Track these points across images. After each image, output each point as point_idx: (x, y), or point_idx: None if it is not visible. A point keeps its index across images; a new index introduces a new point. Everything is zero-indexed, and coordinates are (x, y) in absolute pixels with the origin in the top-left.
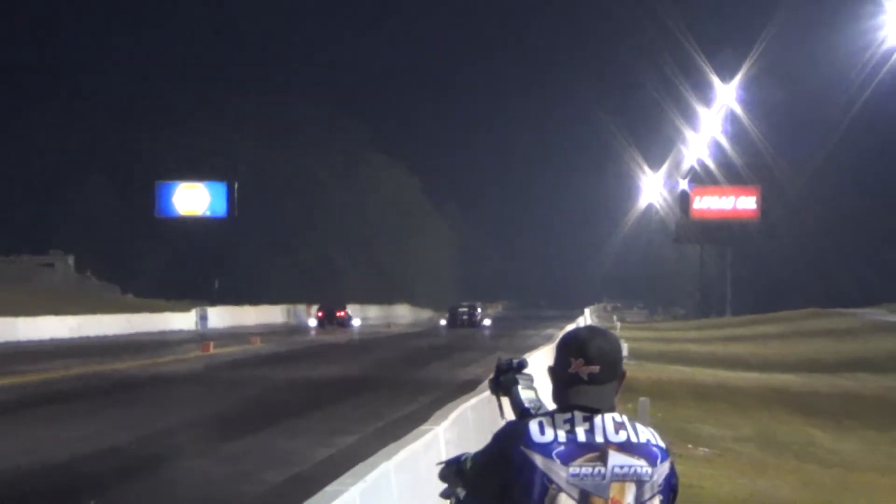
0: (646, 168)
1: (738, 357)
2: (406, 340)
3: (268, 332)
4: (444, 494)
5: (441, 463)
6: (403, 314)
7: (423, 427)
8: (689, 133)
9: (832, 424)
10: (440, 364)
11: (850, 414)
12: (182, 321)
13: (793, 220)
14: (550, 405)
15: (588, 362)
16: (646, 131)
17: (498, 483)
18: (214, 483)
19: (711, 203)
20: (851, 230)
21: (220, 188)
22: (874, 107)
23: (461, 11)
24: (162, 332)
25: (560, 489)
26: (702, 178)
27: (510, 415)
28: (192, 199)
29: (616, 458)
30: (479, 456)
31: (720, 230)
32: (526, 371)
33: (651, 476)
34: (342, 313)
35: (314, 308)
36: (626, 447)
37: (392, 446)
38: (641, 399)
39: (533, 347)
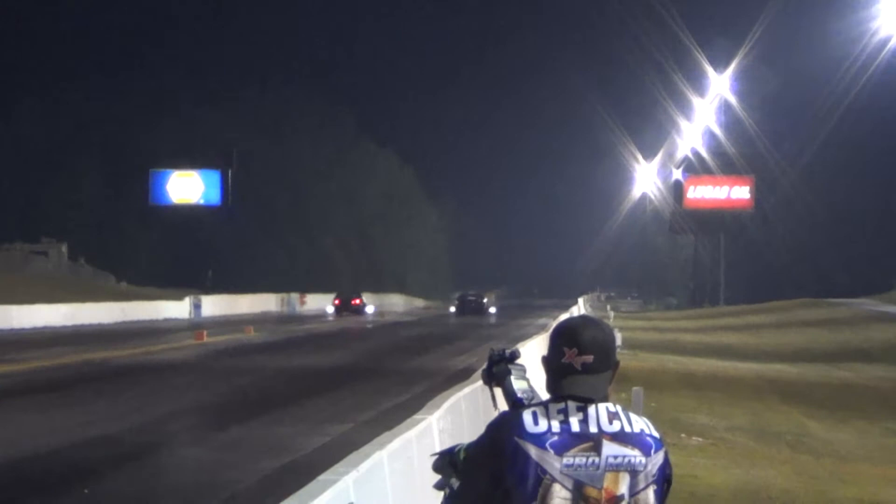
0: (640, 157)
1: (731, 347)
2: (399, 329)
3: (262, 320)
4: (439, 485)
5: (435, 454)
6: (396, 303)
7: (416, 416)
8: (683, 122)
9: (825, 414)
10: (434, 353)
11: (844, 404)
12: (175, 309)
13: (787, 210)
14: (544, 395)
15: (582, 352)
16: (640, 121)
17: (492, 474)
18: (207, 471)
19: (705, 193)
20: (845, 220)
21: (214, 176)
22: (868, 97)
23: (456, 5)
24: (155, 321)
25: (554, 479)
26: (696, 168)
27: (503, 405)
28: (186, 187)
29: (610, 449)
30: (472, 447)
31: (714, 220)
32: (518, 361)
33: (645, 466)
34: (357, 301)
35: (307, 296)
36: (620, 437)
37: (385, 435)
38: (635, 389)
39: (527, 337)
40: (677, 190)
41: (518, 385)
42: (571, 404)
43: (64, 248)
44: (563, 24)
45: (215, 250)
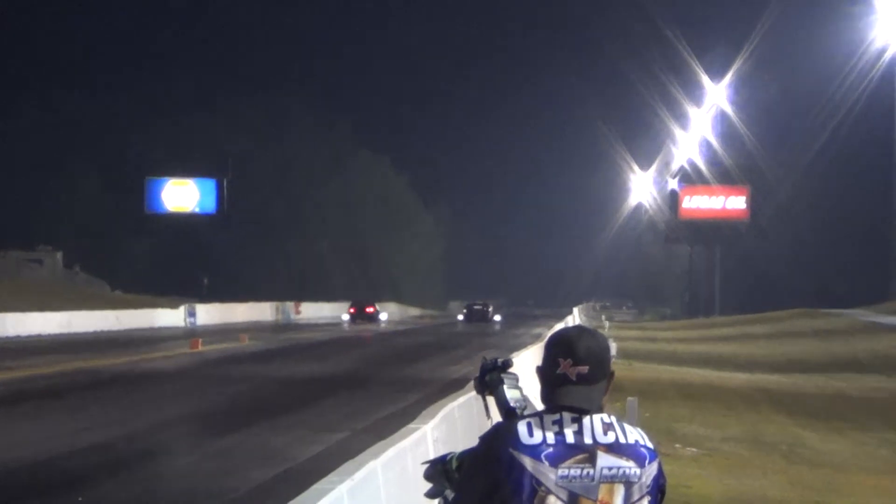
0: (635, 167)
1: (726, 357)
2: (394, 338)
3: (256, 328)
4: (430, 494)
5: (426, 462)
6: (392, 312)
7: (410, 425)
8: (678, 132)
9: (820, 425)
10: (428, 362)
11: (838, 414)
12: (170, 318)
13: (782, 221)
14: (538, 404)
15: (576, 363)
16: (635, 130)
17: (486, 484)
18: (202, 479)
19: (701, 203)
20: (841, 230)
21: (210, 184)
22: (864, 107)
23: (452, 10)
24: (150, 329)
25: (549, 491)
26: (691, 178)
27: (496, 414)
28: (182, 195)
29: (605, 460)
30: (466, 456)
31: (709, 230)
32: (511, 370)
33: (639, 477)
34: (371, 309)
35: (302, 304)
36: (615, 448)
37: (380, 444)
38: (630, 399)
39: (522, 346)
40: (673, 200)
41: (511, 394)
42: (566, 415)
43: (59, 256)
44: (559, 32)
45: (210, 258)
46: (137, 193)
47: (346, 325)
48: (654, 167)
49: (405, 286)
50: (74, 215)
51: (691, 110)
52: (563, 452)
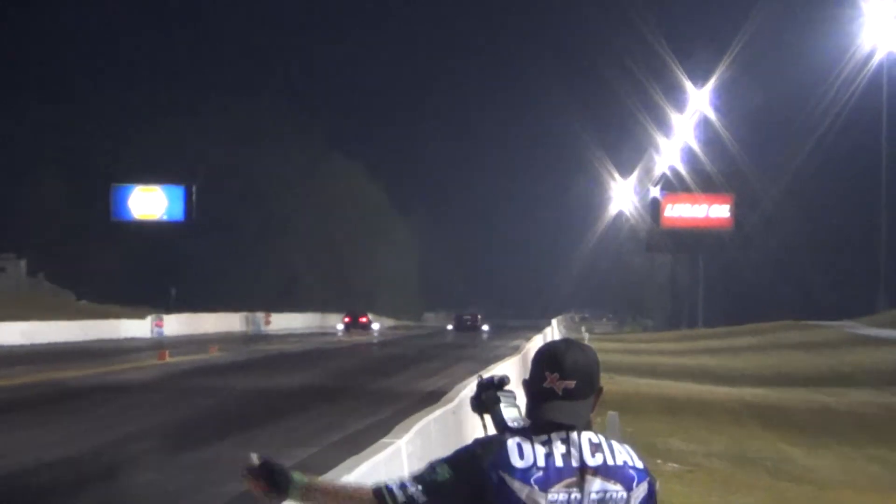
0: (616, 175)
1: (710, 370)
2: (368, 350)
3: (226, 339)
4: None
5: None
6: None
7: (384, 440)
8: (660, 139)
9: (807, 440)
10: (402, 374)
11: (825, 429)
12: (137, 328)
13: (768, 230)
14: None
15: (563, 377)
16: (616, 137)
17: (469, 488)
18: (171, 494)
19: (683, 211)
20: (828, 240)
21: (178, 192)
22: (852, 112)
23: (430, 16)
24: (116, 340)
25: None
26: (674, 186)
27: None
28: (149, 202)
29: (592, 484)
30: (454, 457)
31: (692, 239)
32: (508, 388)
33: (627, 501)
34: (365, 319)
35: (272, 315)
36: (603, 471)
37: (352, 460)
38: (610, 413)
39: (499, 358)
40: (654, 208)
41: (508, 413)
42: (555, 436)
43: (22, 264)
44: (538, 36)
45: (179, 267)
46: (103, 200)
47: (341, 335)
48: (635, 174)
49: (379, 296)
50: (39, 222)
51: (673, 116)
52: (552, 476)
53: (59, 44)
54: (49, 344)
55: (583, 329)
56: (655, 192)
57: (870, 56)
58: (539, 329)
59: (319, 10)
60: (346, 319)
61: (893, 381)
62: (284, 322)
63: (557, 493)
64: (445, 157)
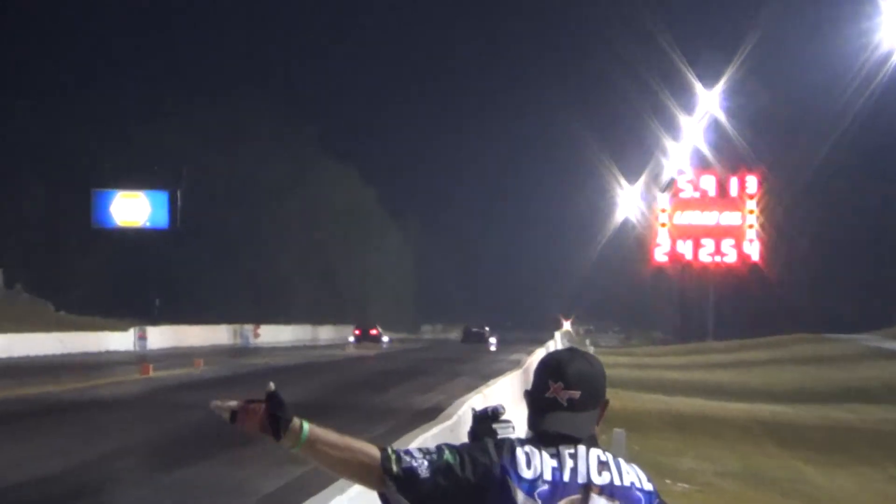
0: (622, 180)
1: (721, 385)
2: (362, 363)
3: (212, 353)
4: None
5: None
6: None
7: None
8: (668, 142)
9: (822, 459)
10: (398, 389)
11: (842, 448)
12: (119, 341)
13: (780, 238)
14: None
15: (567, 387)
16: (623, 140)
17: (471, 483)
18: None
19: (693, 218)
20: (844, 249)
21: (162, 197)
22: (868, 116)
23: (427, 17)
24: (97, 353)
25: None
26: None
27: None
28: (132, 208)
29: (597, 502)
30: (462, 447)
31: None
32: (504, 417)
33: None
34: (375, 331)
35: (261, 328)
36: (608, 491)
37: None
38: (617, 430)
39: (499, 373)
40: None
41: None
42: (563, 449)
43: None
44: (541, 37)
45: (163, 277)
46: (84, 206)
47: (352, 346)
48: (642, 180)
49: (373, 307)
50: (16, 230)
51: (682, 118)
52: (557, 492)
53: (38, 45)
54: (26, 357)
55: (587, 342)
56: (663, 198)
57: (889, 55)
58: (541, 342)
59: (309, 11)
60: (357, 332)
61: None
62: (274, 334)
63: None
64: (442, 161)
